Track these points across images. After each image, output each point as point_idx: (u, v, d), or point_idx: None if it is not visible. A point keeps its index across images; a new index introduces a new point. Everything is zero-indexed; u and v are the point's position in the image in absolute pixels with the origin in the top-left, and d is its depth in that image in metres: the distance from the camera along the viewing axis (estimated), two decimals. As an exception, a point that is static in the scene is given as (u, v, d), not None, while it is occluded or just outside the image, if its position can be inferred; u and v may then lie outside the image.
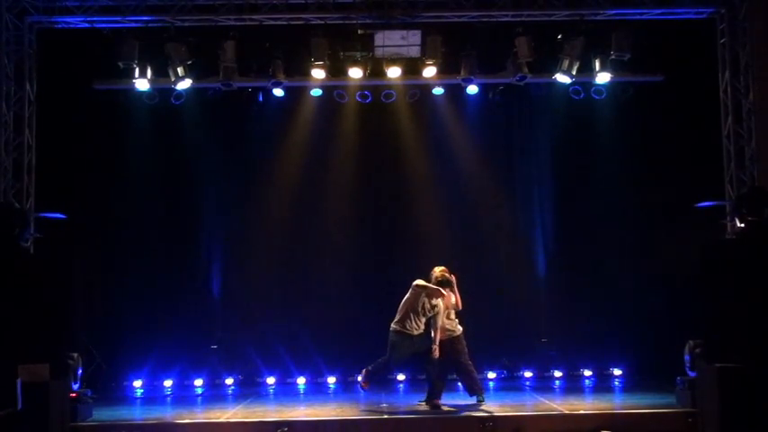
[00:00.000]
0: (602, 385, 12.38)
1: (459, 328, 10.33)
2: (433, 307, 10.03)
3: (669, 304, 12.03)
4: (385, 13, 11.11)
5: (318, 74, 11.65)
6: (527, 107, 13.29)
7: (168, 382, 12.59)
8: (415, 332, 10.00)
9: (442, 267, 10.28)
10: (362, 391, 10.49)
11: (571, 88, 12.22)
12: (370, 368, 10.20)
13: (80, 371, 10.02)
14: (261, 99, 12.69)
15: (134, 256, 12.99)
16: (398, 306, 10.22)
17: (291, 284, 13.20)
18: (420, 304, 10.00)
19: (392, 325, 10.11)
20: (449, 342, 10.23)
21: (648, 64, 12.07)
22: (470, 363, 10.32)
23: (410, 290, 10.10)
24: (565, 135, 13.25)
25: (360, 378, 10.24)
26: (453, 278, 10.24)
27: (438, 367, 10.09)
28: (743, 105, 11.17)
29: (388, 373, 10.82)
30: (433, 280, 10.14)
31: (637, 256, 12.96)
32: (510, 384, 12.56)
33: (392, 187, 13.48)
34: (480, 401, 10.15)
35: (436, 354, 9.98)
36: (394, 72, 11.76)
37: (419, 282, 10.10)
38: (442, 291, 10.05)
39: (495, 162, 13.57)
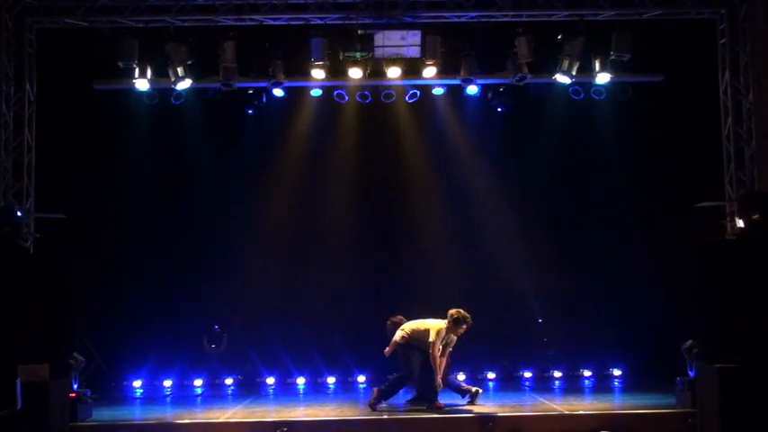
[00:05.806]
0: (602, 385, 12.39)
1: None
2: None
3: (669, 304, 12.02)
4: (385, 14, 11.12)
5: (318, 74, 11.64)
6: (527, 107, 13.28)
7: (168, 382, 12.58)
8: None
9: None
10: (362, 391, 10.44)
11: (571, 89, 12.18)
12: (382, 387, 10.18)
13: (80, 370, 10.01)
14: (261, 99, 12.68)
15: (134, 256, 12.99)
16: (398, 314, 10.44)
17: (291, 284, 13.20)
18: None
19: (400, 339, 10.14)
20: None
21: (648, 64, 12.05)
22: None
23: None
24: (564, 135, 13.23)
25: (371, 399, 10.08)
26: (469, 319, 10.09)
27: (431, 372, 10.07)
28: (743, 106, 11.17)
29: (402, 389, 10.52)
30: (449, 317, 10.03)
31: (637, 256, 12.94)
32: (510, 384, 12.57)
33: (392, 187, 13.49)
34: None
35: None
36: (394, 72, 11.74)
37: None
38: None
39: (494, 162, 13.54)
